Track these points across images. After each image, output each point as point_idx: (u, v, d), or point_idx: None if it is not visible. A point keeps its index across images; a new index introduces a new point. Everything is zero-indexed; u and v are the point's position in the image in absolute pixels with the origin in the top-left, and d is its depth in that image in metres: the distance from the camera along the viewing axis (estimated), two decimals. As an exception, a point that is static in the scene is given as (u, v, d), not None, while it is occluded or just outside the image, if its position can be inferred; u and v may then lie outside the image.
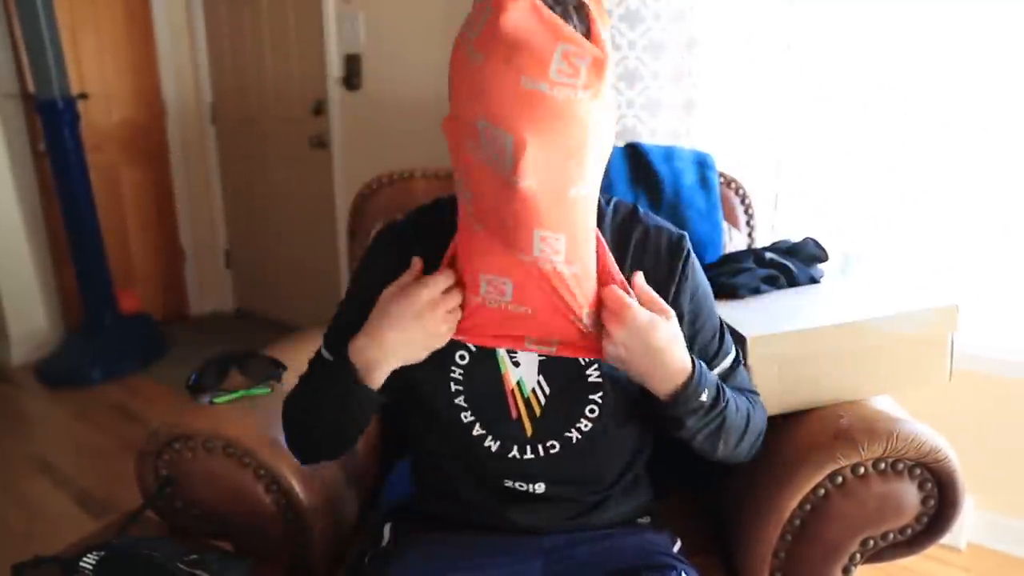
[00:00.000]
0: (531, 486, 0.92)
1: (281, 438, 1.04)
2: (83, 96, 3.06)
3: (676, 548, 0.97)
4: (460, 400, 0.91)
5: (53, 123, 2.82)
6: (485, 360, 0.89)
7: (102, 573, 0.83)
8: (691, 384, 0.81)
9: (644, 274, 0.84)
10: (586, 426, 0.90)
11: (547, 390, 0.90)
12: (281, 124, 3.26)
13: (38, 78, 2.77)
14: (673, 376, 0.81)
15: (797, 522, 0.95)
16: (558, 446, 0.91)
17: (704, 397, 0.83)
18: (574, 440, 0.91)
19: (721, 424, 0.86)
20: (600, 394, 0.89)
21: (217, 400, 1.07)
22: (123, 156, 3.41)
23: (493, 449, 0.91)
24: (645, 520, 1.03)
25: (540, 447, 0.91)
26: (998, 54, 1.67)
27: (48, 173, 2.99)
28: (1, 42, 2.97)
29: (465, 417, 0.91)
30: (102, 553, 0.85)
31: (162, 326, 3.46)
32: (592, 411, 0.90)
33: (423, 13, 2.48)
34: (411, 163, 1.64)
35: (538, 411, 0.90)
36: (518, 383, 0.90)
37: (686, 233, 0.91)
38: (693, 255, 0.90)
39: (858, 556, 0.96)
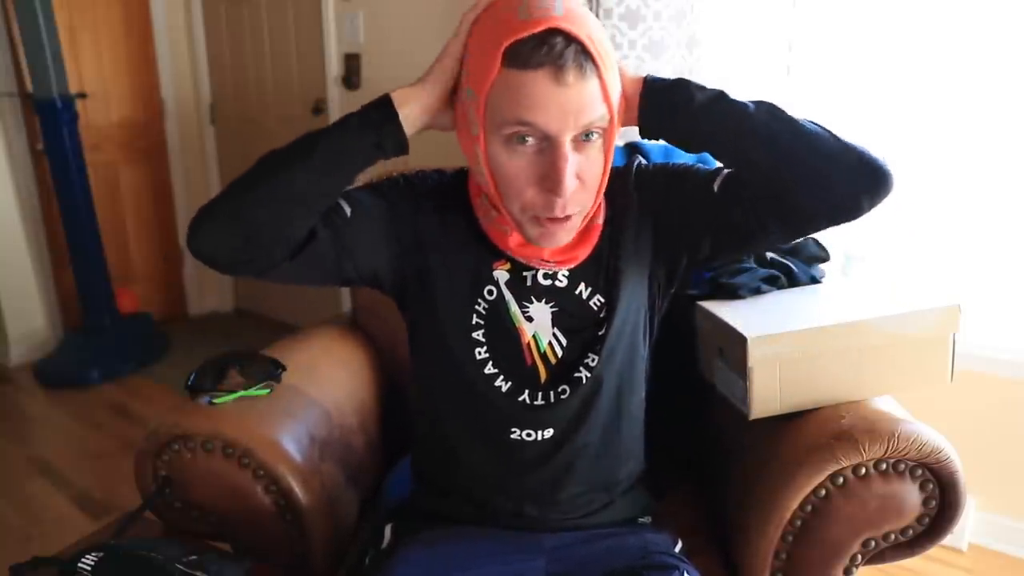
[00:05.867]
0: (539, 433, 0.92)
1: (281, 438, 1.04)
2: (82, 95, 3.06)
3: (677, 548, 0.97)
4: (479, 335, 0.93)
5: (51, 122, 2.81)
6: (500, 311, 0.92)
7: (101, 574, 0.83)
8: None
9: (618, 209, 0.94)
10: (593, 361, 0.92)
11: (564, 341, 0.92)
12: (281, 123, 3.25)
13: (36, 77, 2.76)
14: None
15: (798, 523, 0.95)
16: (568, 390, 0.92)
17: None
18: (583, 380, 0.92)
19: (734, 103, 0.83)
20: (604, 329, 0.92)
21: (216, 400, 1.06)
22: (122, 155, 3.40)
23: (504, 389, 0.92)
24: (646, 520, 1.03)
25: (552, 393, 0.92)
26: (1000, 54, 1.67)
27: (47, 173, 2.98)
28: (-1, 41, 2.97)
29: (480, 353, 0.92)
30: (101, 554, 0.85)
31: (161, 326, 3.46)
32: (598, 348, 0.92)
33: (423, 12, 2.47)
34: (411, 163, 1.63)
35: (554, 360, 0.93)
36: (534, 337, 0.92)
37: (635, 157, 1.00)
38: (640, 161, 0.99)
39: (859, 557, 0.96)
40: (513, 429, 0.92)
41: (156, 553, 0.86)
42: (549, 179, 0.78)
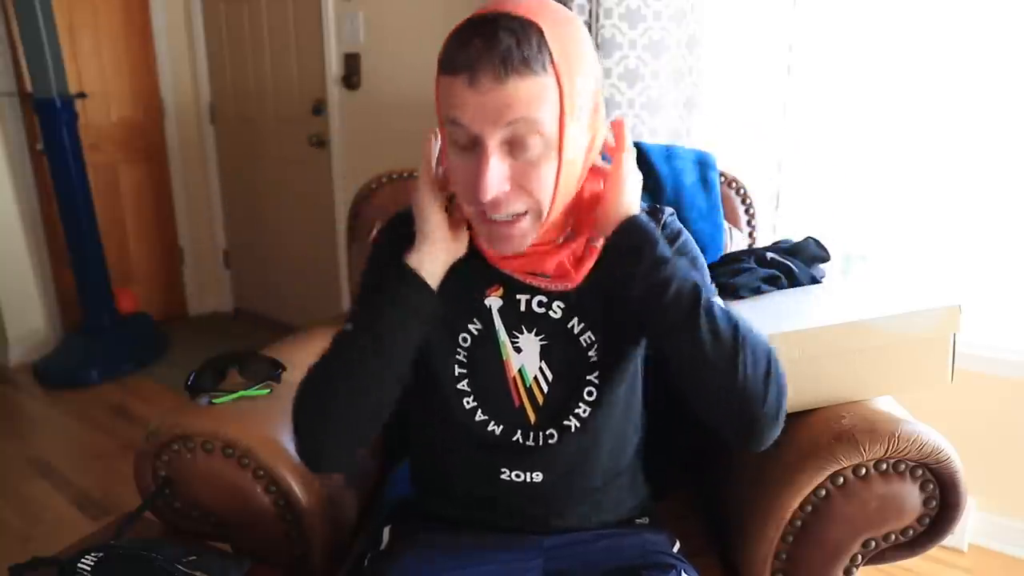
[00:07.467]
0: (528, 475, 0.92)
1: (281, 438, 1.04)
2: (81, 95, 3.06)
3: (675, 548, 0.97)
4: (463, 385, 0.92)
5: (51, 122, 2.81)
6: (487, 344, 0.91)
7: (100, 574, 0.83)
8: (639, 217, 0.84)
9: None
10: (584, 411, 0.91)
11: (549, 376, 0.91)
12: (280, 123, 3.25)
13: (36, 77, 2.76)
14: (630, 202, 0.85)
15: (798, 523, 0.95)
16: (556, 435, 0.91)
17: (656, 233, 0.83)
18: (572, 429, 0.91)
19: (689, 278, 0.81)
20: (596, 374, 0.90)
21: (216, 400, 1.06)
22: (121, 155, 3.40)
23: (497, 433, 0.92)
24: (644, 520, 1.02)
25: (541, 435, 0.92)
26: (1000, 53, 1.67)
27: (46, 173, 2.98)
28: (-1, 41, 2.97)
29: (468, 403, 0.92)
30: (100, 554, 0.85)
31: (161, 326, 3.45)
32: (590, 394, 0.91)
33: (423, 11, 2.47)
34: (411, 162, 1.63)
35: (540, 399, 0.91)
36: (520, 371, 0.91)
37: (668, 209, 0.95)
38: (672, 223, 0.94)
39: (859, 557, 0.96)
40: (503, 470, 0.92)
41: (156, 553, 0.86)
42: (474, 179, 0.77)
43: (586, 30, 0.82)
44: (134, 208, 3.49)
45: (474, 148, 0.77)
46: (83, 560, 0.83)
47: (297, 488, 1.01)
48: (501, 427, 0.92)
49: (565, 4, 1.80)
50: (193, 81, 3.53)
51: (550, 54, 0.74)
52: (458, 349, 0.91)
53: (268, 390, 1.12)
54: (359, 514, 1.18)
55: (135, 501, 1.04)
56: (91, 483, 2.22)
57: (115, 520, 1.05)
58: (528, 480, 0.92)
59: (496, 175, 0.76)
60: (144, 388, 2.93)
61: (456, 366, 0.91)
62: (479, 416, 0.92)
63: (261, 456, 1.01)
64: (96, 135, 3.24)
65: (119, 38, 3.30)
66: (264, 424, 1.05)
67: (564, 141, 0.77)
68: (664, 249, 0.82)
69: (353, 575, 1.03)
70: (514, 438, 0.92)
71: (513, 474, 0.92)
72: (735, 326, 0.80)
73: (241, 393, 1.09)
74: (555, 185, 0.79)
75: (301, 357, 1.25)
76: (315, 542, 1.04)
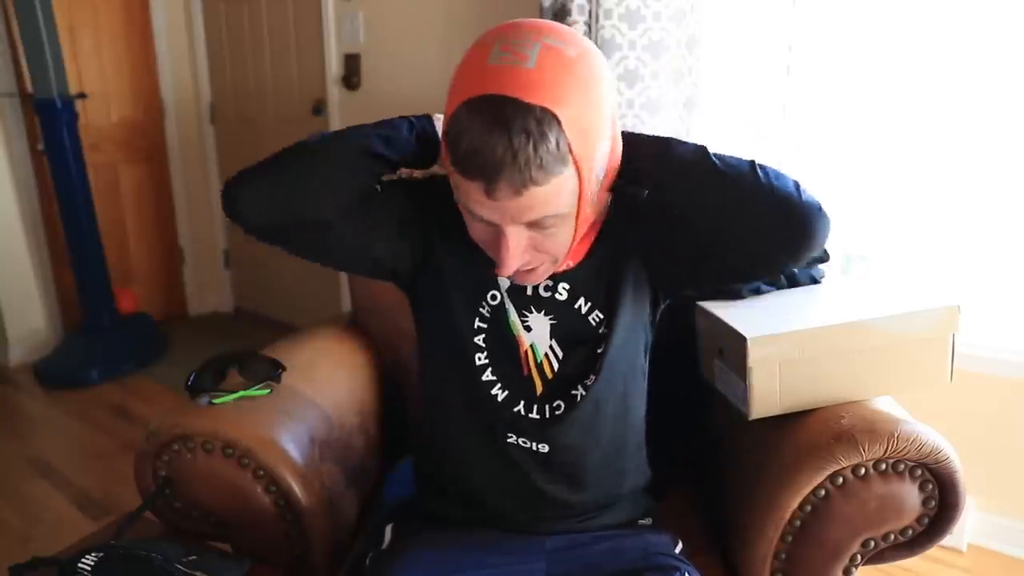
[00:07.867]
0: (535, 445, 0.92)
1: (281, 438, 1.04)
2: (82, 96, 3.06)
3: (678, 549, 0.97)
4: (479, 339, 0.93)
5: (51, 123, 2.81)
6: (502, 317, 0.92)
7: (100, 574, 0.83)
8: None
9: (624, 224, 0.92)
10: (591, 381, 0.91)
11: (560, 355, 0.92)
12: (280, 124, 3.25)
13: (36, 78, 2.76)
14: None
15: (798, 523, 0.95)
16: (563, 406, 0.92)
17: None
18: (579, 399, 0.91)
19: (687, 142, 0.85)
20: (604, 346, 0.91)
21: (216, 400, 1.06)
22: (122, 156, 3.40)
23: (500, 399, 0.92)
24: (647, 521, 1.03)
25: (547, 407, 0.92)
26: (999, 54, 1.67)
27: (47, 173, 2.98)
28: (-1, 41, 2.97)
29: (479, 359, 0.93)
30: (100, 554, 0.85)
31: (161, 326, 3.45)
32: (598, 367, 0.91)
33: (423, 12, 2.47)
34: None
35: (550, 374, 0.92)
36: (531, 347, 0.92)
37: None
38: None
39: (859, 557, 0.96)
40: (510, 434, 0.92)
41: (156, 553, 0.86)
42: (495, 252, 0.79)
43: (595, 60, 0.76)
44: (134, 208, 3.49)
45: (491, 223, 0.77)
46: (83, 560, 0.83)
47: (297, 488, 1.02)
48: (507, 392, 0.92)
49: (566, 7, 1.79)
50: (193, 81, 3.53)
51: (569, 145, 0.71)
52: (483, 304, 0.93)
53: (268, 390, 1.12)
54: (359, 514, 1.19)
55: (135, 501, 1.04)
56: (91, 483, 2.22)
57: (115, 520, 1.05)
58: (535, 449, 0.92)
59: (516, 254, 0.78)
60: (144, 388, 2.93)
61: (478, 320, 0.93)
62: (487, 375, 0.93)
63: (261, 456, 1.01)
64: (96, 135, 3.24)
65: (119, 38, 3.30)
66: (264, 424, 1.05)
67: (582, 206, 0.78)
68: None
69: (353, 575, 1.04)
70: (516, 408, 0.92)
71: (520, 440, 0.92)
72: (748, 160, 0.83)
73: (241, 393, 1.09)
74: (572, 236, 0.82)
75: (301, 357, 1.26)
76: (315, 542, 1.04)
